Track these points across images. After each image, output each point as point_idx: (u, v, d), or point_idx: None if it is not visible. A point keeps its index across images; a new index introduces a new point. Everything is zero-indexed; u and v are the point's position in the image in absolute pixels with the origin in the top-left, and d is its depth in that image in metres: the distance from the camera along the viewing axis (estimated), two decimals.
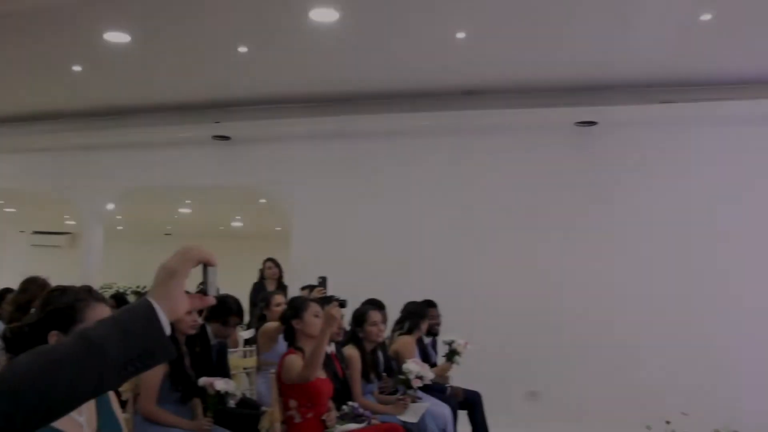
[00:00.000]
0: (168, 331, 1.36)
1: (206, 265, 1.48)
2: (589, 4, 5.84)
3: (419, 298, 6.57)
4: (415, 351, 6.03)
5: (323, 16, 6.05)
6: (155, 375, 4.17)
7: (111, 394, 2.27)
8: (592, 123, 7.65)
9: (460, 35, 6.45)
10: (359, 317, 5.50)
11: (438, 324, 6.80)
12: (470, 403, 6.39)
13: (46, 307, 2.27)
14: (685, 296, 7.30)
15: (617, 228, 7.59)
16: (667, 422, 5.24)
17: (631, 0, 5.76)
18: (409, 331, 6.13)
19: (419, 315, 6.17)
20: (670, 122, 7.57)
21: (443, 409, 5.53)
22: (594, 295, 7.51)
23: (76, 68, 7.50)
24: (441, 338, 6.50)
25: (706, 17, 6.01)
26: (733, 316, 7.17)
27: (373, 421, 4.66)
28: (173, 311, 1.39)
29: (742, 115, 7.40)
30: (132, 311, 1.35)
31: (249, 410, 4.94)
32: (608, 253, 7.57)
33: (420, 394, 5.45)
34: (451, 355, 6.21)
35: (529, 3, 5.82)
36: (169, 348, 1.36)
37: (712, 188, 7.42)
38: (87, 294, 2.32)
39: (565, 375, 7.45)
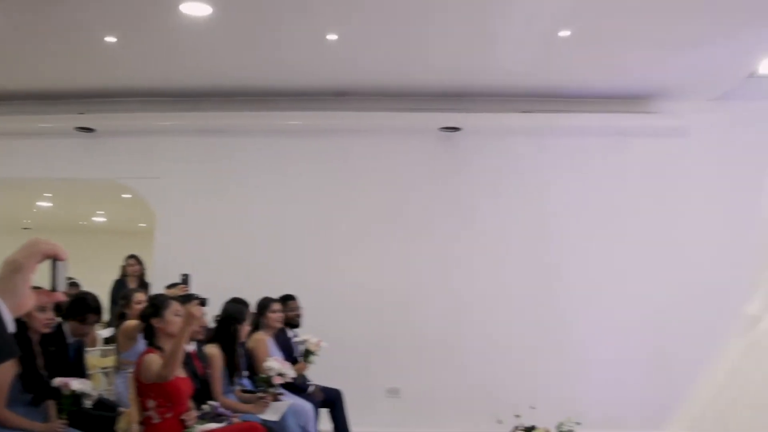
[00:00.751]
0: (12, 328, 1.33)
1: (55, 260, 1.46)
2: (457, 15, 6.03)
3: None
4: (269, 347, 6.06)
5: (195, 9, 5.97)
6: (4, 376, 4.01)
7: None
8: (456, 129, 7.92)
9: (332, 37, 6.52)
10: (239, 315, 5.52)
11: (298, 316, 6.88)
12: (332, 400, 6.49)
13: None
14: (537, 296, 7.71)
15: (477, 230, 7.89)
16: (517, 416, 5.52)
17: (496, 14, 6.00)
18: (256, 328, 6.15)
19: (258, 311, 6.20)
20: (530, 131, 7.95)
21: (305, 407, 5.59)
22: (452, 295, 7.79)
23: None
24: (300, 336, 6.57)
25: (565, 33, 6.34)
26: (580, 315, 7.63)
27: (234, 420, 4.66)
28: (18, 307, 1.36)
29: (595, 127, 7.86)
30: None
31: (106, 411, 4.82)
32: (467, 254, 7.86)
33: (281, 392, 5.49)
34: (307, 354, 6.30)
35: (399, 10, 5.96)
36: (11, 346, 1.33)
37: (566, 194, 7.85)
38: None
39: (424, 372, 7.68)
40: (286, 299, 6.81)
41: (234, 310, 5.56)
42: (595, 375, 7.46)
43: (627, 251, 7.70)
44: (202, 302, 4.67)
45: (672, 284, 7.47)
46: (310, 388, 6.29)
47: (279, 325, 6.37)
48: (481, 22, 6.16)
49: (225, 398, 5.13)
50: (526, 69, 7.12)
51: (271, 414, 5.17)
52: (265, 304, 6.26)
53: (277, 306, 6.34)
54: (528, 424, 5.48)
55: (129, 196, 10.10)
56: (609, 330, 7.54)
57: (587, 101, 7.81)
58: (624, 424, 6.96)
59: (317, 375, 6.58)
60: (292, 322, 6.79)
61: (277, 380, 5.37)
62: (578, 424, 5.55)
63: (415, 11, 5.99)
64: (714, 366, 4.01)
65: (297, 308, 6.88)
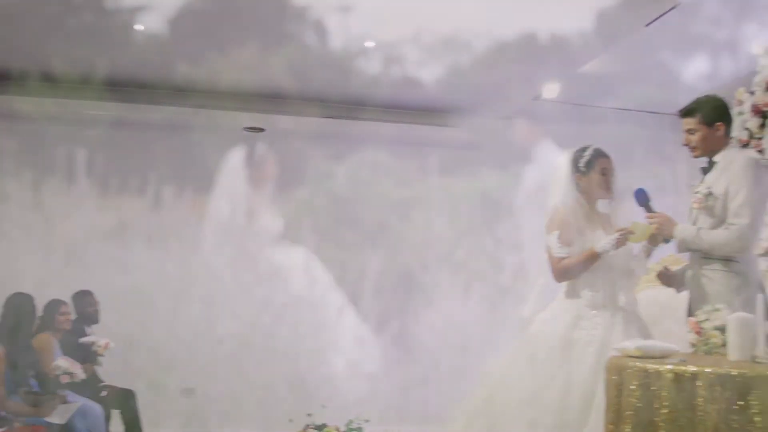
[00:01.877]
0: None
1: None
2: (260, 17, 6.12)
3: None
4: (54, 347, 5.89)
5: None
6: None
7: None
8: (260, 129, 8.01)
9: (139, 27, 6.35)
10: (28, 311, 5.41)
11: (96, 311, 6.69)
12: (123, 401, 6.36)
13: None
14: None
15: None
16: (309, 414, 5.72)
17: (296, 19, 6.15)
18: (44, 328, 5.95)
19: (45, 313, 6.03)
20: (330, 136, 8.21)
21: (94, 409, 5.46)
22: (249, 294, 7.83)
23: None
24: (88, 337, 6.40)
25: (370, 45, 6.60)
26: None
27: (16, 425, 4.48)
28: None
29: (396, 136, 8.27)
30: None
31: None
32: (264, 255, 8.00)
33: (69, 394, 5.34)
34: (93, 356, 6.17)
35: (208, 5, 5.96)
36: None
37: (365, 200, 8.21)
38: None
39: (220, 372, 7.66)
40: (82, 294, 6.63)
41: (22, 305, 5.33)
42: (376, 376, 7.77)
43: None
44: None
45: None
46: (103, 392, 6.15)
47: (67, 327, 6.18)
48: (281, 27, 6.29)
49: (8, 401, 4.89)
50: (331, 76, 7.32)
51: (58, 417, 5.01)
52: (53, 306, 6.08)
53: (65, 308, 6.19)
54: (319, 422, 5.69)
55: None
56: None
57: (389, 111, 8.17)
58: (410, 420, 7.34)
59: (110, 374, 6.43)
60: (90, 318, 6.61)
61: (65, 380, 5.22)
62: (367, 421, 5.83)
63: (221, 8, 6.00)
64: (491, 364, 4.40)
65: (94, 303, 6.69)
